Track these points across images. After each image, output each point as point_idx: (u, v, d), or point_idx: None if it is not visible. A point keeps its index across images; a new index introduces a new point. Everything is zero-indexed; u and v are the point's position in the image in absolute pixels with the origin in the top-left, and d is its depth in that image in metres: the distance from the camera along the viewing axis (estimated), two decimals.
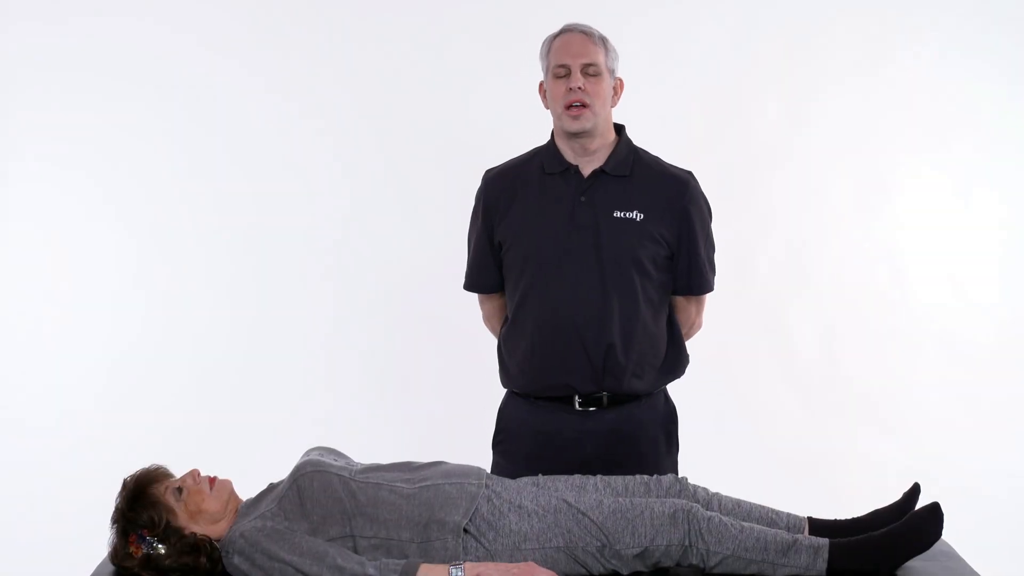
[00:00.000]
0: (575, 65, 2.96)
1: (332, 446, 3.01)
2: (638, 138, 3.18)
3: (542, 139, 3.15)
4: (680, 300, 3.16)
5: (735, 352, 4.90)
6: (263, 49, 4.86)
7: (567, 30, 3.03)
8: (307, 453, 2.90)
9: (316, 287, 4.91)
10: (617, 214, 3.01)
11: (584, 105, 2.97)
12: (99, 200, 4.86)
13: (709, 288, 3.15)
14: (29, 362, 4.81)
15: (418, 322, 4.90)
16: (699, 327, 3.26)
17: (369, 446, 3.57)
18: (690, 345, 3.24)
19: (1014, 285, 5.02)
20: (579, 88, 2.96)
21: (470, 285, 3.25)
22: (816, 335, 5.02)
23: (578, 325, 3.00)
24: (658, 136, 3.49)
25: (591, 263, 3.01)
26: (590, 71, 2.97)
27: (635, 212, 3.02)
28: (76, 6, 4.79)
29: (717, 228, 3.21)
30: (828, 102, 4.98)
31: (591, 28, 3.03)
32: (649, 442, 3.10)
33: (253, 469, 3.11)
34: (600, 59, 2.98)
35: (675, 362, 3.15)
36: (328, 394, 4.88)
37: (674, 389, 3.24)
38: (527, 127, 3.43)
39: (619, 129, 3.12)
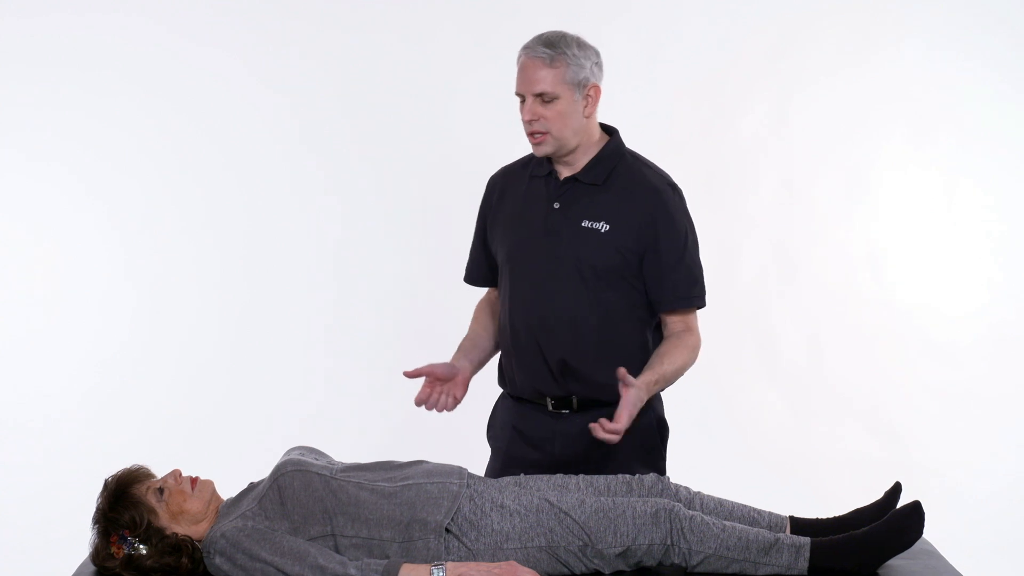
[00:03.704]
0: (528, 94, 2.89)
1: (324, 446, 3.01)
2: (623, 136, 3.15)
3: None
4: (663, 317, 3.03)
5: (719, 352, 4.87)
6: (255, 45, 4.87)
7: (525, 50, 2.92)
8: (288, 452, 2.90)
9: (308, 287, 4.91)
10: (585, 223, 2.97)
11: (541, 132, 2.91)
12: (86, 197, 4.86)
13: (684, 304, 3.00)
14: (15, 362, 4.81)
15: (414, 322, 4.90)
16: (697, 344, 3.04)
17: (366, 445, 3.59)
18: None
19: (998, 286, 5.04)
20: (532, 120, 2.89)
21: (466, 275, 3.28)
22: (800, 335, 5.03)
23: (534, 331, 3.00)
24: (642, 134, 3.49)
25: (552, 270, 2.98)
26: (544, 98, 2.88)
27: (602, 223, 2.96)
28: (62, 2, 4.78)
29: (703, 227, 3.16)
30: (813, 101, 4.99)
31: (550, 45, 2.89)
32: (622, 448, 2.98)
33: (244, 469, 3.12)
34: (550, 85, 2.87)
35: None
36: (320, 395, 4.88)
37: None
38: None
39: (612, 132, 3.06)
